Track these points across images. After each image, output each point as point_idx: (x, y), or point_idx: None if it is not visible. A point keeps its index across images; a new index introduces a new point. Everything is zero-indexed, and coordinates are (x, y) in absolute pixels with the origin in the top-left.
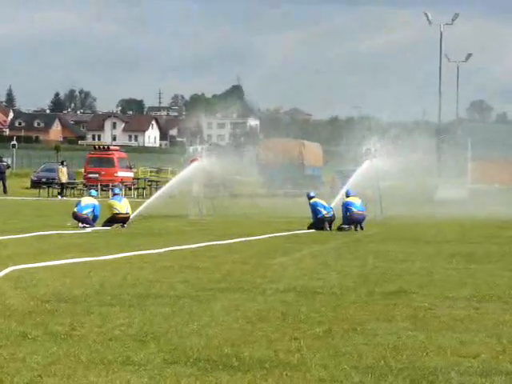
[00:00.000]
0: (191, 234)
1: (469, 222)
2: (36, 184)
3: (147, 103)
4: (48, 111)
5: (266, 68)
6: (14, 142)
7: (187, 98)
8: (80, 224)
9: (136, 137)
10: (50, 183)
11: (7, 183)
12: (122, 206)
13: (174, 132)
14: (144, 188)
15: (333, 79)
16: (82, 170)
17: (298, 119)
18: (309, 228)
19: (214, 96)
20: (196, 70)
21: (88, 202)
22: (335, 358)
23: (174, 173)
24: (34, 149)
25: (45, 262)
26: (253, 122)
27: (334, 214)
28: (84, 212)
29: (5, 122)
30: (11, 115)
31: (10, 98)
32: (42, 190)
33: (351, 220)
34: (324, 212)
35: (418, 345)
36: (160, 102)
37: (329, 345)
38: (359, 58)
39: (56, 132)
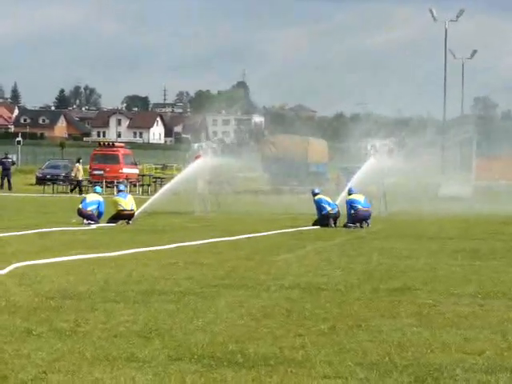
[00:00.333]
0: (196, 231)
1: (473, 219)
2: (41, 181)
3: (152, 100)
4: (53, 108)
5: (270, 65)
6: (19, 139)
7: (192, 94)
8: (85, 221)
9: (141, 133)
10: (54, 180)
11: (12, 180)
12: (127, 202)
13: (178, 129)
14: (149, 185)
15: (337, 76)
16: (87, 166)
17: (302, 116)
18: (313, 225)
19: (219, 92)
20: (199, 68)
21: (93, 199)
22: (340, 354)
23: (179, 169)
24: (39, 145)
25: (49, 259)
26: (257, 118)
27: (338, 211)
28: (89, 209)
29: (10, 118)
30: (16, 112)
31: (15, 95)
32: (46, 187)
33: (357, 217)
34: (329, 209)
35: (423, 341)
36: (165, 99)
37: (333, 341)
38: (364, 55)
39: (61, 129)
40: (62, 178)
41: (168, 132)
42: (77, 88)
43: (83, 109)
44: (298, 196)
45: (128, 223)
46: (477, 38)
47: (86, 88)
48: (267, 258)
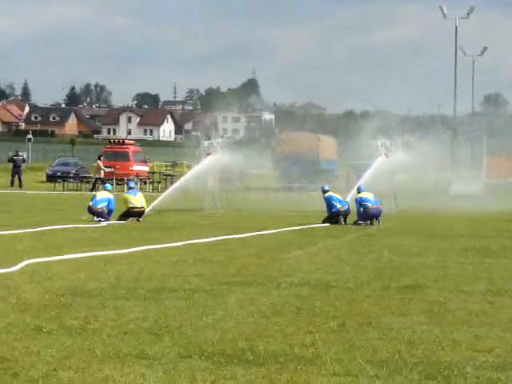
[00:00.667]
0: (206, 228)
1: (483, 217)
2: (51, 178)
3: (162, 97)
4: (63, 105)
5: (279, 63)
6: (30, 136)
7: (202, 92)
8: (95, 218)
9: (151, 131)
10: (65, 177)
11: (23, 177)
12: (137, 199)
13: (189, 126)
14: (159, 182)
15: (345, 74)
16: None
17: (312, 113)
18: (323, 222)
19: (230, 90)
20: (209, 66)
21: (103, 196)
22: (350, 352)
23: (189, 167)
24: (50, 143)
25: (60, 256)
26: (267, 116)
27: (348, 208)
28: (99, 206)
29: (20, 116)
30: (27, 109)
31: (25, 93)
32: (57, 184)
33: (368, 215)
34: (339, 206)
35: (433, 339)
36: (175, 96)
37: (343, 339)
38: (368, 52)
39: (71, 126)
40: (72, 175)
41: (178, 129)
42: (87, 85)
43: (93, 106)
44: (308, 193)
45: (138, 220)
46: (487, 35)
47: (96, 85)
48: (277, 255)
